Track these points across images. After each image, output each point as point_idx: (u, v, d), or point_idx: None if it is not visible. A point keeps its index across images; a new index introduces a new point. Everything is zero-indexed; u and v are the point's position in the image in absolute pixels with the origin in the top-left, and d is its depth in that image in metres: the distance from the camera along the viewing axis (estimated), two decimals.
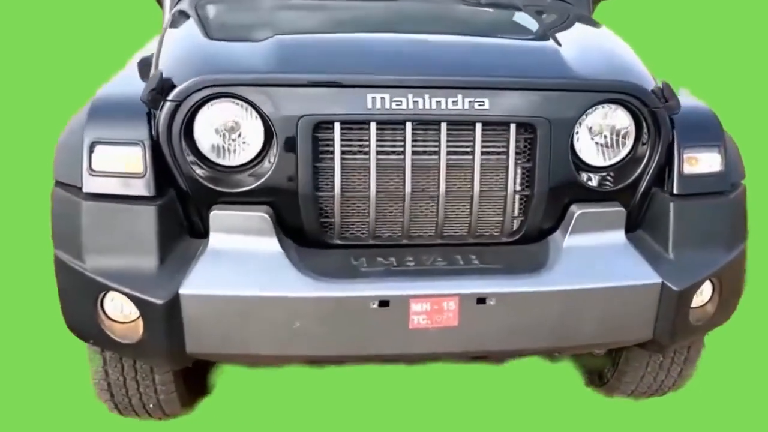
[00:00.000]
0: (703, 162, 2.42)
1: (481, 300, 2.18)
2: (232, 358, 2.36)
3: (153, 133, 2.20)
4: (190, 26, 2.71)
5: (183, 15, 2.89)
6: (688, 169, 2.40)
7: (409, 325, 2.16)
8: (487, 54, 2.47)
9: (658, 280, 2.27)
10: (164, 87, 2.19)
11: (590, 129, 2.37)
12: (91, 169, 2.18)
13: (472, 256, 2.31)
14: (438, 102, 2.23)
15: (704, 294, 2.43)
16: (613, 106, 2.36)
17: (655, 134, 2.37)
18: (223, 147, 2.26)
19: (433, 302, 2.16)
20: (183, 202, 2.26)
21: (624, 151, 2.41)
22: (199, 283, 2.12)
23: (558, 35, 2.65)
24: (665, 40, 5.58)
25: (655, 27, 5.81)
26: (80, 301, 2.20)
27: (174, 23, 2.85)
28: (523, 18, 2.90)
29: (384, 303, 2.13)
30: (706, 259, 2.37)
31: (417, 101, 2.23)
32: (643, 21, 5.61)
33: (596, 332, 2.29)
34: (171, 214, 2.23)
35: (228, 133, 2.24)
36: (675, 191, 2.39)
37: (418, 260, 2.28)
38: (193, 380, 2.83)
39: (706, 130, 2.45)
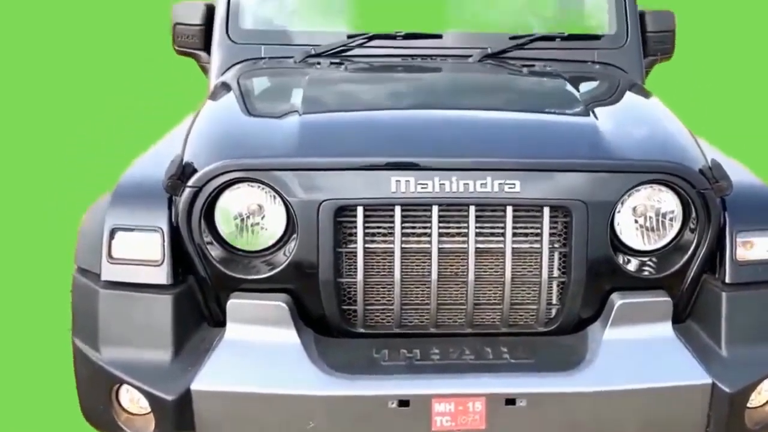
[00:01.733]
0: (760, 247, 2.21)
1: (511, 401, 2.02)
2: None
3: (173, 218, 2.15)
4: (225, 102, 2.69)
5: (224, 88, 2.88)
6: (741, 254, 2.20)
7: (432, 427, 2.02)
8: (518, 132, 2.35)
9: (708, 380, 2.07)
10: (185, 172, 2.14)
11: (633, 210, 2.21)
12: (110, 256, 2.14)
13: (503, 348, 2.16)
14: (466, 184, 2.12)
15: (763, 394, 2.20)
16: (658, 187, 2.20)
17: (704, 218, 2.19)
18: (244, 231, 2.19)
19: (457, 402, 2.01)
20: (202, 290, 2.20)
21: (670, 235, 2.23)
22: (212, 378, 2.04)
23: (600, 108, 2.51)
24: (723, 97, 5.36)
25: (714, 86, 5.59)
26: (95, 392, 2.15)
27: (213, 96, 2.84)
28: (563, 89, 2.76)
29: (404, 403, 2.00)
30: (764, 357, 2.15)
31: (443, 184, 2.12)
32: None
33: None
34: (188, 303, 2.17)
35: (249, 217, 2.18)
36: (728, 280, 2.19)
37: (444, 353, 2.14)
38: None
39: (762, 211, 2.25)
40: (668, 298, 2.18)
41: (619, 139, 2.27)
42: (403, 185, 2.11)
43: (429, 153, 2.16)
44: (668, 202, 2.21)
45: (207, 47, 3.40)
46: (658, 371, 2.08)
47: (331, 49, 3.21)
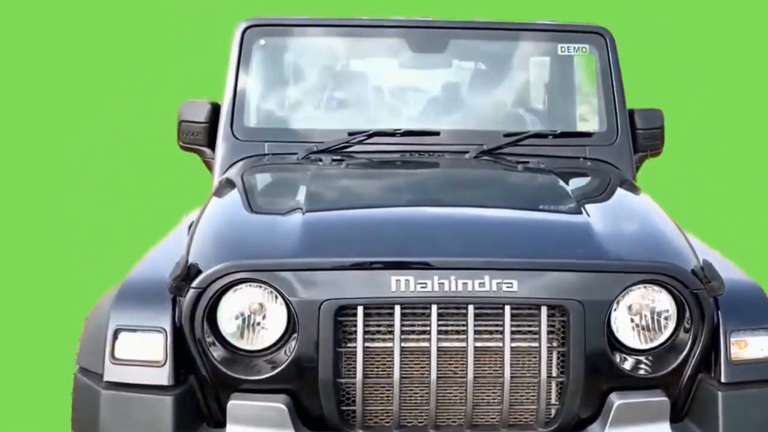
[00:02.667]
0: (754, 346, 2.25)
1: None
2: None
3: (176, 319, 2.19)
4: (229, 201, 2.76)
5: (228, 184, 2.96)
6: (736, 354, 2.23)
7: None
8: (514, 231, 2.42)
9: None
10: (189, 274, 2.19)
11: (629, 308, 2.25)
12: (113, 357, 2.17)
13: None
14: (464, 284, 2.17)
15: None
16: (652, 287, 2.25)
17: (698, 317, 2.23)
18: (246, 331, 2.22)
19: None
20: (202, 390, 2.21)
21: (665, 334, 2.27)
22: None
23: (591, 205, 2.58)
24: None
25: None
26: None
27: (217, 193, 2.92)
28: (556, 185, 2.85)
29: None
30: None
31: (443, 283, 2.16)
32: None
33: None
34: (188, 404, 2.18)
35: (250, 316, 2.21)
36: (723, 379, 2.22)
37: None
38: None
39: (755, 309, 2.30)
40: (665, 398, 2.20)
41: (613, 239, 2.34)
42: (402, 284, 2.16)
43: (428, 253, 2.22)
44: (662, 301, 2.25)
45: (211, 144, 3.50)
46: None
47: (333, 147, 3.31)
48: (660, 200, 2.87)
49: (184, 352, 2.18)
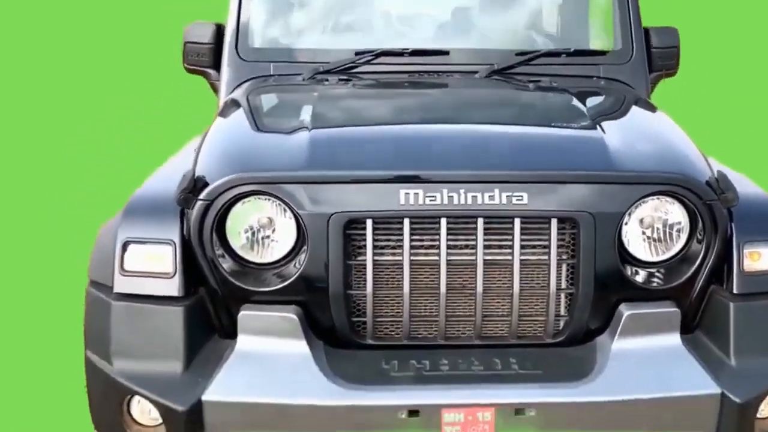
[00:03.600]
0: (767, 257, 2.22)
1: (520, 411, 2.03)
2: None
3: (185, 231, 2.18)
4: (235, 118, 2.72)
5: (234, 104, 2.92)
6: (749, 265, 2.21)
7: None
8: (525, 145, 2.37)
9: (717, 390, 2.07)
10: (196, 186, 2.17)
11: (640, 221, 2.22)
12: (122, 269, 2.17)
13: (512, 359, 2.17)
14: (474, 197, 2.14)
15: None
16: (665, 199, 2.21)
17: (711, 229, 2.20)
18: (255, 244, 2.21)
19: (467, 413, 2.02)
20: (212, 302, 2.22)
21: (677, 247, 2.25)
22: (223, 389, 2.05)
23: (606, 122, 2.53)
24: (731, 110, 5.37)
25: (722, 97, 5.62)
26: (107, 404, 2.17)
27: (223, 113, 2.88)
28: (569, 103, 2.79)
29: (414, 413, 2.01)
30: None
31: (452, 196, 2.14)
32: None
33: None
34: (199, 315, 2.19)
35: (260, 230, 2.20)
36: (735, 290, 2.20)
37: (453, 364, 2.16)
38: None
39: (763, 222, 2.26)
40: (676, 309, 2.19)
41: (626, 152, 2.29)
42: (411, 198, 2.14)
43: (437, 166, 2.19)
44: (675, 213, 2.23)
45: (216, 65, 3.45)
46: (667, 381, 2.09)
47: (340, 67, 3.25)
48: (676, 121, 2.81)
49: (193, 265, 2.18)
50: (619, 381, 2.08)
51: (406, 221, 2.15)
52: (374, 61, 3.29)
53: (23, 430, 2.96)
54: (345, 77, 3.19)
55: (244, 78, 3.30)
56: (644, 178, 2.19)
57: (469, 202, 2.14)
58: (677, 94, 4.10)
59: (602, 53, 3.43)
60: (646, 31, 3.51)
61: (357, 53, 3.28)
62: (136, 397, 2.13)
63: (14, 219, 4.58)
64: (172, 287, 2.15)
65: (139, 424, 2.16)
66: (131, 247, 2.18)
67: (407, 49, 3.28)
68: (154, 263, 2.16)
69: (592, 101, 2.96)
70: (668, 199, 2.22)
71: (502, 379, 2.09)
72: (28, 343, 3.34)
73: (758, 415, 2.16)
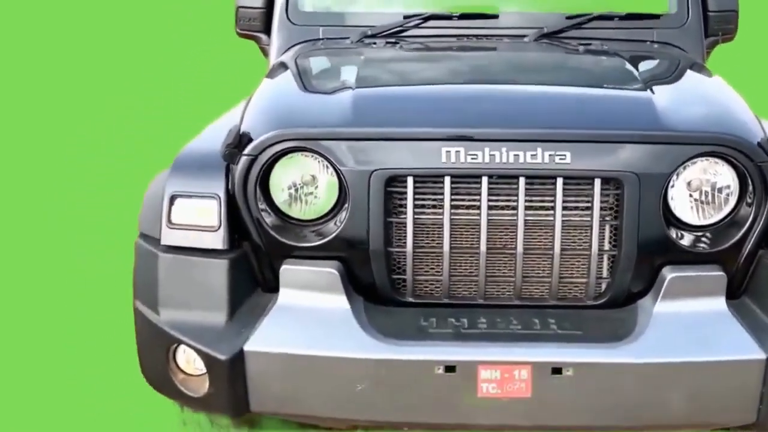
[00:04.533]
0: None
1: (557, 370, 2.02)
2: (297, 418, 2.31)
3: (230, 186, 2.22)
4: (282, 79, 2.75)
5: (282, 66, 2.95)
6: None
7: (478, 394, 2.04)
8: (570, 105, 2.34)
9: (762, 355, 2.03)
10: (241, 141, 2.21)
11: (688, 184, 2.18)
12: (170, 222, 2.23)
13: (551, 320, 2.17)
14: (516, 156, 2.13)
15: None
16: (714, 160, 2.16)
17: (761, 191, 2.15)
18: (298, 200, 2.25)
19: (503, 370, 2.03)
20: (256, 256, 2.26)
21: (726, 210, 2.20)
22: (264, 340, 2.10)
23: (657, 84, 2.47)
24: None
25: None
26: (154, 353, 2.24)
27: (270, 74, 2.91)
28: (620, 66, 2.74)
29: (450, 368, 2.03)
30: None
31: (494, 155, 2.13)
32: None
33: (687, 412, 2.07)
34: (243, 268, 2.24)
35: (302, 186, 2.23)
36: None
37: (492, 322, 2.16)
38: None
39: None
40: (722, 273, 2.15)
41: (675, 113, 2.25)
42: (453, 156, 2.13)
43: (479, 124, 2.18)
44: (724, 175, 2.17)
45: (267, 30, 3.48)
46: (709, 345, 2.06)
47: (387, 30, 3.25)
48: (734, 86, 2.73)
49: (237, 219, 2.22)
50: (660, 343, 2.06)
51: (447, 179, 2.15)
52: (423, 25, 3.28)
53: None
54: (392, 41, 3.19)
55: (294, 42, 3.33)
56: (692, 138, 2.14)
57: (511, 160, 2.13)
58: (736, 58, 3.96)
59: (656, 17, 3.34)
60: None
61: (405, 17, 3.27)
62: (182, 346, 2.19)
63: (15, 218, 4.66)
64: (217, 240, 2.19)
65: (185, 373, 2.23)
66: (178, 201, 2.23)
67: (455, 12, 3.26)
68: (199, 217, 2.21)
69: (644, 64, 2.90)
70: (717, 160, 2.17)
71: (540, 338, 2.09)
72: (27, 343, 3.40)
73: None
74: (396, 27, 3.25)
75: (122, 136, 5.37)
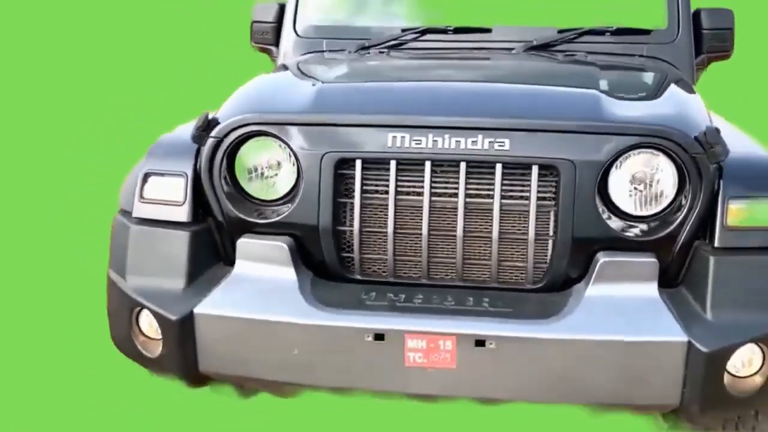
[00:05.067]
0: (753, 213, 2.19)
1: (480, 342, 2.11)
2: (241, 381, 2.45)
3: (197, 166, 2.42)
4: (267, 76, 2.97)
5: (278, 69, 3.18)
6: (733, 220, 2.19)
7: (405, 363, 2.14)
8: (515, 97, 2.45)
9: (684, 338, 2.07)
10: (209, 125, 2.41)
11: (627, 174, 2.25)
12: (141, 197, 2.44)
13: (485, 299, 2.26)
14: (457, 142, 2.25)
15: (753, 364, 2.16)
16: (653, 152, 2.24)
17: (697, 183, 2.20)
18: (259, 181, 2.42)
19: (429, 340, 2.13)
20: (219, 232, 2.44)
21: (664, 202, 2.26)
22: (214, 304, 2.26)
23: (615, 85, 2.57)
24: None
25: None
26: (120, 317, 2.42)
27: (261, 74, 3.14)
28: (587, 71, 2.83)
29: (379, 336, 2.14)
30: (749, 322, 2.12)
31: (436, 141, 2.26)
32: None
33: (609, 391, 2.11)
34: (204, 241, 2.42)
35: (264, 168, 2.41)
36: (716, 244, 2.19)
37: (428, 299, 2.27)
38: None
39: (755, 179, 2.23)
40: (654, 259, 2.20)
41: (621, 108, 2.33)
42: (398, 141, 2.28)
43: (424, 112, 2.32)
44: (663, 167, 2.24)
45: (278, 42, 3.73)
46: (633, 326, 2.11)
47: (384, 42, 3.43)
48: (727, 104, 2.77)
49: (201, 197, 2.41)
50: (584, 322, 2.12)
51: (393, 163, 2.29)
52: (419, 39, 3.45)
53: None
54: (384, 51, 3.37)
55: (299, 53, 3.55)
56: (626, 129, 2.22)
57: (453, 146, 2.25)
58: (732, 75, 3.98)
59: (646, 32, 3.42)
60: (697, 12, 3.48)
61: (403, 30, 3.46)
62: (145, 311, 2.37)
63: (16, 217, 4.92)
64: (182, 214, 2.39)
65: (146, 336, 2.41)
66: (151, 179, 2.44)
67: (450, 26, 3.43)
68: (168, 192, 2.41)
69: (617, 72, 2.98)
70: (657, 153, 2.24)
71: (469, 313, 2.18)
72: (26, 342, 3.61)
73: (734, 372, 2.13)
74: (392, 39, 3.43)
75: (125, 139, 5.66)
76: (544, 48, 3.31)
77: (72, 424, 2.98)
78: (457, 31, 3.44)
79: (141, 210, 2.44)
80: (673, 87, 2.72)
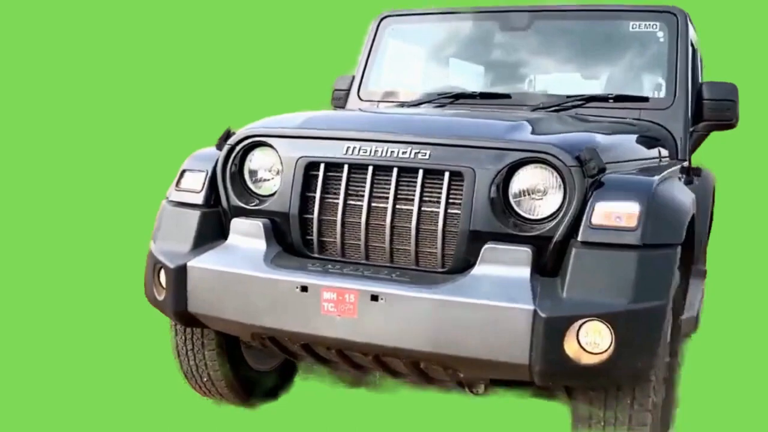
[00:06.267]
0: (615, 216, 2.60)
1: (375, 297, 2.68)
2: (216, 322, 3.12)
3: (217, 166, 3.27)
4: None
5: None
6: (596, 220, 2.61)
7: (321, 311, 2.76)
8: (441, 122, 3.08)
9: (531, 307, 2.51)
10: (228, 137, 3.26)
11: (520, 183, 2.77)
12: (177, 186, 3.32)
13: (395, 272, 2.83)
14: (392, 152, 2.91)
15: (601, 343, 2.51)
16: (541, 165, 2.75)
17: (572, 191, 2.67)
18: (258, 181, 3.21)
19: (338, 293, 2.74)
20: (225, 216, 3.24)
21: (547, 205, 2.73)
22: (201, 260, 3.04)
23: (555, 125, 3.12)
24: None
25: None
26: (149, 273, 3.26)
27: None
28: (551, 115, 3.40)
29: (304, 288, 2.79)
30: (593, 302, 2.51)
31: (377, 150, 2.93)
32: None
33: (474, 345, 2.56)
34: (213, 221, 3.21)
35: (262, 170, 3.20)
36: (580, 239, 2.62)
37: (354, 269, 2.88)
38: (246, 375, 3.64)
39: (620, 191, 2.65)
40: (528, 249, 2.66)
41: (529, 134, 2.87)
42: (351, 150, 2.97)
43: (372, 130, 3.01)
44: (549, 178, 2.73)
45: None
46: (495, 295, 2.57)
47: (420, 103, 4.19)
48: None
49: (215, 189, 3.23)
50: (458, 289, 2.62)
51: (345, 167, 2.98)
52: (454, 102, 4.17)
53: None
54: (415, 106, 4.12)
55: None
56: (516, 146, 2.76)
57: (389, 155, 2.91)
58: None
59: (645, 99, 3.89)
60: (701, 84, 3.90)
61: (439, 95, 4.20)
62: (162, 268, 3.19)
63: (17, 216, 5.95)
64: (198, 198, 3.23)
65: (161, 286, 3.21)
66: (186, 174, 3.32)
67: (476, 92, 4.13)
68: (192, 183, 3.27)
69: (590, 122, 3.48)
70: (545, 166, 2.74)
71: (374, 278, 2.76)
72: (27, 341, 4.39)
73: (584, 345, 2.50)
74: (428, 101, 4.18)
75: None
76: (547, 109, 3.87)
77: (71, 424, 3.61)
78: (483, 96, 4.12)
79: (175, 196, 3.31)
80: (618, 127, 3.19)
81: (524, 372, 2.56)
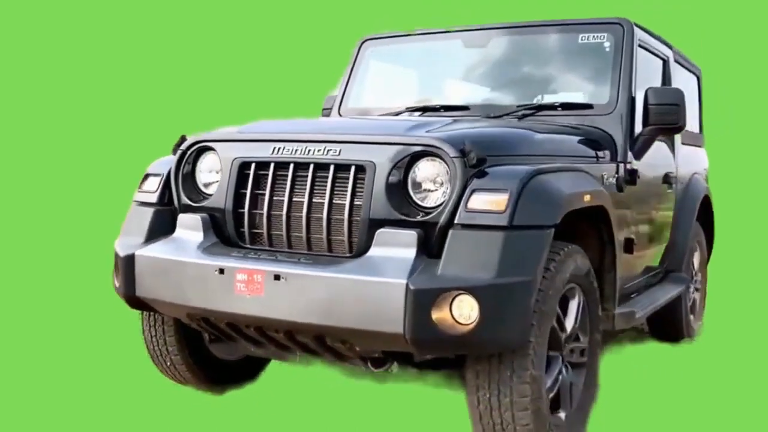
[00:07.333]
0: (487, 202, 2.82)
1: (278, 277, 2.97)
2: (159, 305, 3.46)
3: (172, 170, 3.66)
4: None
5: None
6: (472, 204, 2.84)
7: (235, 291, 3.07)
8: (351, 123, 3.37)
9: (404, 281, 2.74)
10: (181, 142, 3.65)
11: (416, 174, 3.02)
12: (140, 188, 3.73)
13: (306, 257, 3.11)
14: (309, 150, 3.22)
15: (471, 315, 2.71)
16: (433, 158, 3.00)
17: (455, 179, 2.91)
18: (207, 181, 3.58)
19: (249, 274, 3.04)
20: (177, 213, 3.62)
21: (436, 194, 2.98)
22: (147, 250, 3.42)
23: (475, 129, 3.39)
24: None
25: None
26: (115, 264, 3.67)
27: None
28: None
29: (222, 271, 3.11)
30: (461, 277, 2.72)
31: (297, 149, 3.25)
32: None
33: (358, 316, 2.80)
34: (166, 218, 3.59)
35: (207, 171, 3.57)
36: (456, 221, 2.85)
37: (270, 255, 3.18)
38: (207, 361, 3.97)
39: (501, 178, 2.88)
40: (413, 232, 2.90)
41: (426, 132, 3.13)
42: (276, 151, 3.30)
43: (295, 133, 3.33)
44: (438, 169, 2.98)
45: None
46: (377, 272, 2.82)
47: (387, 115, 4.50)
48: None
49: (169, 189, 3.62)
50: (347, 268, 2.89)
51: (272, 165, 3.31)
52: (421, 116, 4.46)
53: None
54: None
55: None
56: (407, 140, 3.02)
57: (306, 153, 3.23)
58: None
59: (589, 106, 4.07)
60: (648, 89, 4.05)
61: (407, 108, 4.51)
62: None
63: (17, 216, 6.37)
64: (153, 198, 3.62)
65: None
66: (148, 177, 3.74)
67: (439, 105, 4.42)
68: (151, 185, 3.68)
69: (517, 126, 3.70)
70: (435, 159, 2.99)
71: (280, 261, 3.06)
72: (27, 341, 4.77)
73: (456, 317, 2.71)
74: (394, 114, 4.48)
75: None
76: (499, 118, 4.11)
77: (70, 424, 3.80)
78: (445, 108, 4.40)
79: (137, 196, 3.72)
80: (554, 129, 3.46)
81: (401, 341, 2.78)
